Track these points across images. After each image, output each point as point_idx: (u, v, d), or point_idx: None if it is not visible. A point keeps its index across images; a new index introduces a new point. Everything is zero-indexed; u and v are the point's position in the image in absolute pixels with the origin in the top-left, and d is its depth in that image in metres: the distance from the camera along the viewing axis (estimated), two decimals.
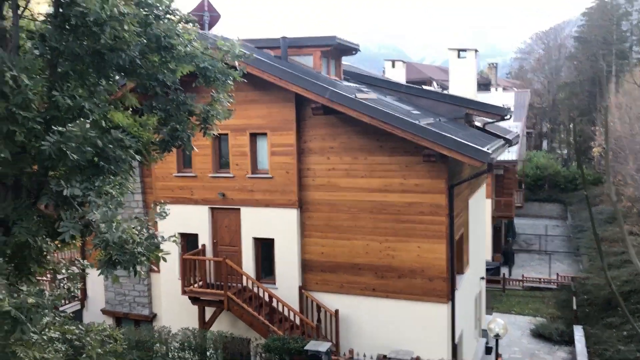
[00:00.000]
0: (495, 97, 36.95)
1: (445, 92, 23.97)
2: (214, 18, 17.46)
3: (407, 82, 26.20)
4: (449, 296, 14.42)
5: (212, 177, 16.24)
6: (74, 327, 8.20)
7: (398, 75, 26.93)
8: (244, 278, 15.53)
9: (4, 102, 6.29)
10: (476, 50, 22.27)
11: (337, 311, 15.09)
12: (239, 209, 16.04)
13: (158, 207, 7.37)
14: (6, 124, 6.35)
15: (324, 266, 15.38)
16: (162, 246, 6.88)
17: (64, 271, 8.21)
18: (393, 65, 27.81)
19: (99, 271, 6.42)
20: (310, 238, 15.44)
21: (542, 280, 30.17)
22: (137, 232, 6.42)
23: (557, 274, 30.39)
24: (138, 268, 6.38)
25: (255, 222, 15.83)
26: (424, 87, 26.76)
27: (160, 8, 7.81)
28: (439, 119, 16.37)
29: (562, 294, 26.81)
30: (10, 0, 6.91)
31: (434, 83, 45.25)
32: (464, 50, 22.01)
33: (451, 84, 22.45)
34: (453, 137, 13.25)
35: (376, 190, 14.69)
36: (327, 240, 15.28)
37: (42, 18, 7.69)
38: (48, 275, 12.89)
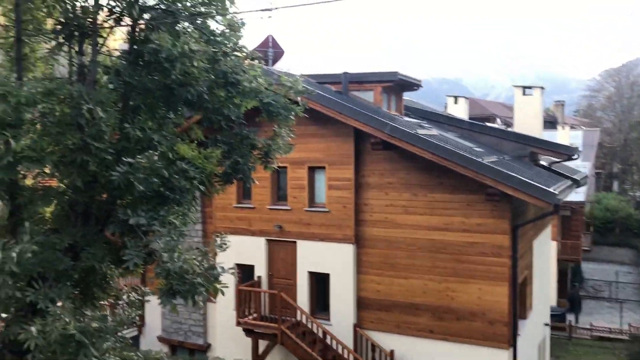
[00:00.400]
0: (562, 136, 35.77)
1: (509, 129, 23.43)
2: (278, 54, 17.94)
3: (469, 118, 25.84)
4: (511, 342, 13.76)
5: (269, 209, 16.40)
6: (133, 354, 8.35)
7: (460, 111, 26.61)
8: (298, 312, 15.43)
9: (80, 133, 6.63)
10: (542, 88, 21.73)
11: (392, 352, 14.69)
12: (295, 242, 16.07)
13: (219, 239, 7.47)
14: (80, 154, 6.67)
15: (380, 304, 15.08)
16: (220, 277, 6.94)
17: (125, 297, 8.42)
18: (455, 101, 27.55)
19: (159, 300, 6.53)
20: (367, 275, 15.22)
21: (612, 330, 28.37)
22: (197, 263, 6.52)
23: (630, 324, 28.51)
24: (196, 298, 6.45)
25: (311, 256, 15.78)
26: (487, 124, 26.28)
27: (229, 45, 8.09)
28: (503, 157, 15.96)
29: (635, 346, 25.05)
30: (91, 38, 7.34)
31: (498, 120, 44.38)
32: (530, 87, 21.54)
33: (516, 121, 21.93)
34: (517, 176, 12.85)
35: (436, 229, 14.37)
36: (384, 278, 15.01)
37: (117, 54, 8.12)
38: (109, 300, 13.24)
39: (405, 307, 14.77)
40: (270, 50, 16.88)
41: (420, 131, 14.38)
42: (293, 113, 8.45)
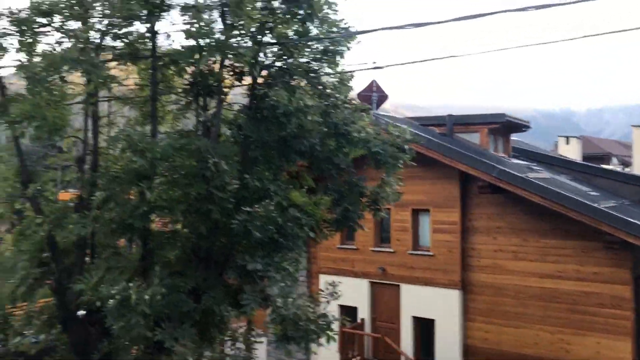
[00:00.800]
0: None
1: (627, 170, 21.94)
2: (382, 98, 18.25)
3: (583, 157, 24.53)
4: None
5: (372, 251, 16.44)
6: None
7: (572, 151, 25.34)
8: (402, 358, 15.17)
9: (205, 184, 7.18)
10: None
11: None
12: (399, 285, 15.93)
13: (331, 287, 7.67)
14: (205, 204, 7.22)
15: (488, 353, 14.44)
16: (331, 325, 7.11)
17: (240, 337, 8.80)
18: (567, 141, 26.30)
19: (275, 344, 6.80)
20: (474, 322, 14.70)
21: None
22: (311, 310, 6.74)
23: None
24: (309, 345, 6.64)
25: (415, 301, 15.54)
26: (603, 165, 24.80)
27: (340, 98, 8.47)
28: (622, 202, 14.96)
29: None
30: (216, 96, 8.00)
31: (614, 159, 41.57)
32: None
33: (635, 161, 20.51)
34: (639, 223, 11.99)
35: (548, 276, 13.66)
36: (492, 326, 14.41)
37: (236, 107, 8.75)
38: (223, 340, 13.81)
39: (516, 357, 14.03)
40: (375, 95, 17.23)
41: (530, 174, 13.91)
42: (401, 161, 8.58)
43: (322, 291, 7.77)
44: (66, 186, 9.41)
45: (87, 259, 8.17)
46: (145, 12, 7.16)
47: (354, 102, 8.59)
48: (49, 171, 8.02)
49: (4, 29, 7.57)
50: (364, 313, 16.49)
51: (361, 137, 8.36)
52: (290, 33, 8.40)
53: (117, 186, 7.21)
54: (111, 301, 6.34)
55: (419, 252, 15.56)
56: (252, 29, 7.47)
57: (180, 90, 8.40)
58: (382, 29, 6.86)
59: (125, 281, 6.73)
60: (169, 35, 7.96)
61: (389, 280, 16.07)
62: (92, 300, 6.79)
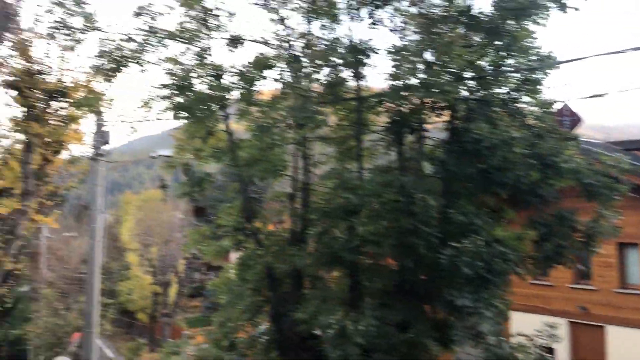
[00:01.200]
0: None
1: None
2: (574, 121, 17.04)
3: None
4: None
5: (570, 288, 15.19)
6: None
7: None
8: None
9: (410, 218, 7.33)
10: None
11: None
12: (603, 326, 14.47)
13: (552, 328, 7.29)
14: (410, 238, 7.35)
15: None
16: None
17: None
18: None
19: None
20: None
21: None
22: (529, 351, 6.47)
23: None
24: None
25: (625, 344, 13.93)
26: None
27: (543, 126, 8.14)
28: None
29: None
30: (416, 133, 8.19)
31: None
32: None
33: None
34: None
35: None
36: None
37: (432, 141, 8.83)
38: None
39: None
40: (566, 119, 16.17)
41: None
42: (617, 192, 7.90)
43: (540, 332, 7.39)
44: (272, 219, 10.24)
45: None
46: (353, 59, 7.67)
47: (558, 131, 8.19)
48: (266, 207, 8.83)
49: (229, 82, 8.62)
50: (562, 356, 15.22)
51: (570, 168, 7.90)
52: (485, 63, 8.35)
53: (328, 221, 7.68)
54: (329, 330, 6.71)
55: (627, 291, 14.03)
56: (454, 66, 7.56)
57: (380, 128, 8.72)
58: (597, 55, 6.50)
59: (337, 311, 7.09)
60: (367, 78, 8.41)
61: (591, 321, 14.69)
62: (309, 329, 7.24)
